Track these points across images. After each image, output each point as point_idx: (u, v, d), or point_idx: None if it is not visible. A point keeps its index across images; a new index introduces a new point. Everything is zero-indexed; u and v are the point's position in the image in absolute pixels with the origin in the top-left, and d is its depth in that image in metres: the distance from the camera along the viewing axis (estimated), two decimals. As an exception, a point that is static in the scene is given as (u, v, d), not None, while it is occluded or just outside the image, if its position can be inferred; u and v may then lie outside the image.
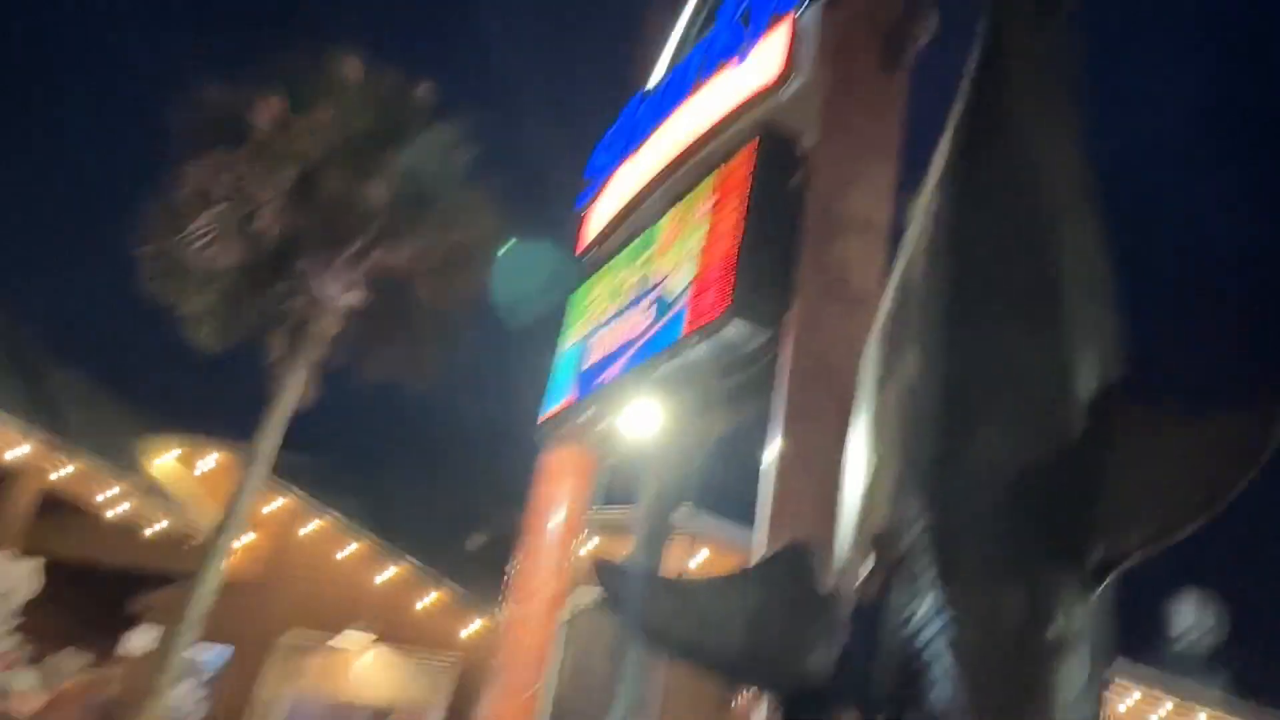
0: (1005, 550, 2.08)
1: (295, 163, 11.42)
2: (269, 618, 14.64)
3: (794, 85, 6.51)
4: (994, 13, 3.06)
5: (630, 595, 2.77)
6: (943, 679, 1.95)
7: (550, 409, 8.50)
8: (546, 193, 10.81)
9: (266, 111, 11.32)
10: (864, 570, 2.37)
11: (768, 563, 3.09)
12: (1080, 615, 2.01)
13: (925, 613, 2.06)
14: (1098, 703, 2.04)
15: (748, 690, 4.69)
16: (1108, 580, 2.04)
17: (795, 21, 6.74)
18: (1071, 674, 1.94)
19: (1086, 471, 2.10)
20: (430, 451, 19.39)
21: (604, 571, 2.83)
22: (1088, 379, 2.29)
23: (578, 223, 9.51)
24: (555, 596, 8.85)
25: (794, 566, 2.62)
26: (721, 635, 2.51)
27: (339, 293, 11.88)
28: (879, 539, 2.37)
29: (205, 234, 11.22)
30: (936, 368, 2.44)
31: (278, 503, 14.91)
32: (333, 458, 17.27)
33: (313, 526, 15.25)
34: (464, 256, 12.23)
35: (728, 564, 10.61)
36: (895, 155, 5.87)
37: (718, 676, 3.06)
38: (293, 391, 12.00)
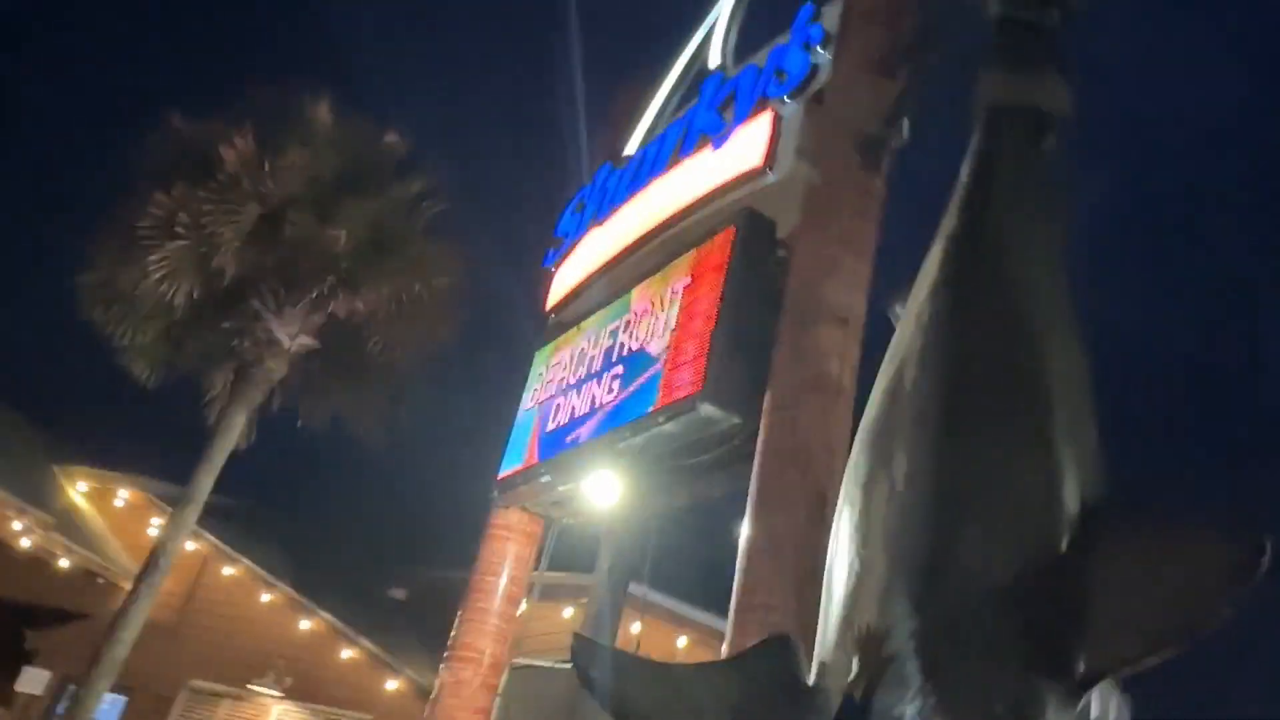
0: (993, 657, 2.10)
1: (260, 202, 11.37)
2: (172, 665, 14.13)
3: (775, 174, 6.74)
4: (987, 130, 3.17)
5: (605, 674, 2.68)
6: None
7: (508, 469, 8.53)
8: (511, 247, 10.92)
9: (235, 149, 11.27)
10: (850, 669, 2.35)
11: (753, 653, 2.95)
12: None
13: (912, 716, 2.06)
14: None
15: None
16: (1091, 690, 2.08)
17: (777, 112, 7.01)
18: None
19: (1074, 582, 2.15)
20: (358, 502, 19.02)
21: (580, 648, 2.73)
22: (1075, 491, 2.36)
23: (545, 280, 9.61)
24: (495, 659, 8.79)
25: (779, 660, 2.61)
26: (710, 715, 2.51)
27: (291, 336, 11.74)
28: (865, 639, 2.35)
29: (160, 266, 11.00)
30: (926, 473, 2.50)
31: (190, 546, 14.45)
32: (254, 501, 16.82)
33: (226, 573, 14.77)
34: (422, 308, 12.21)
35: (670, 638, 10.67)
36: (872, 252, 6.10)
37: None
38: (231, 433, 11.76)
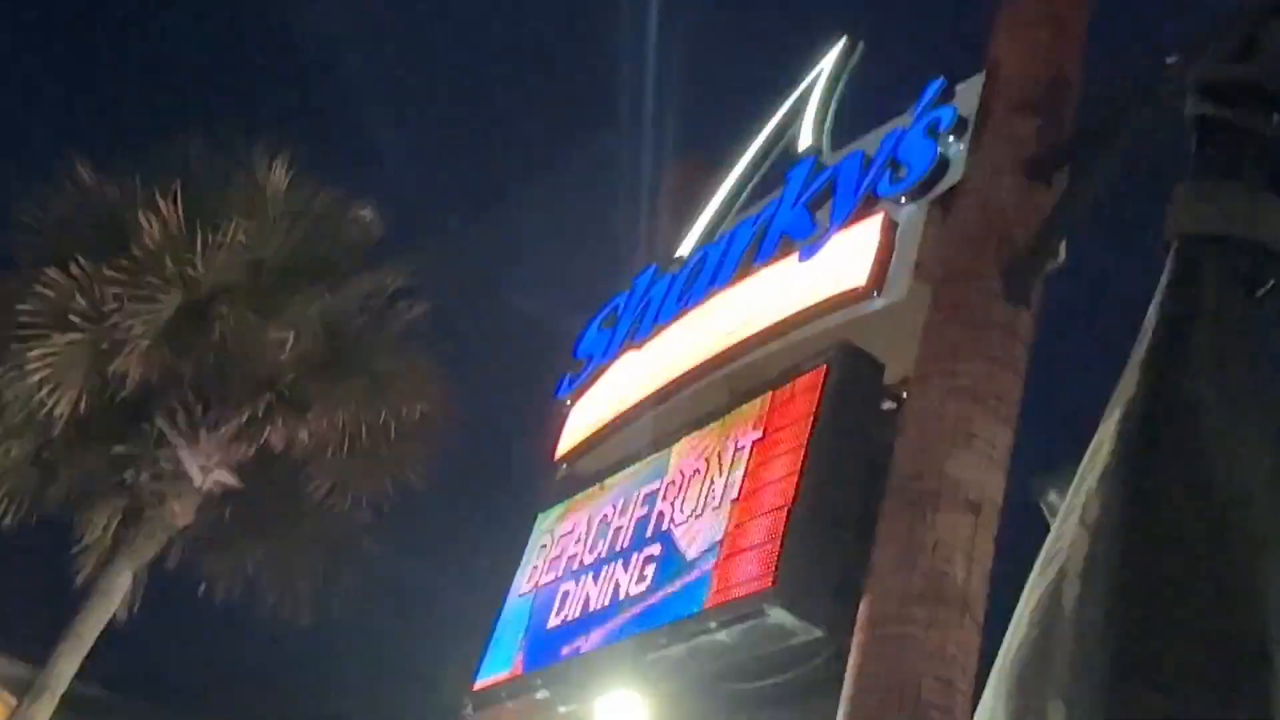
0: None
1: (184, 289, 11.69)
2: None
3: (884, 299, 6.90)
4: (1184, 266, 3.23)
5: None
6: None
7: (488, 676, 8.50)
8: (513, 369, 11.13)
9: (159, 216, 11.67)
10: None
11: None
12: None
13: None
14: None
15: None
16: None
17: (891, 216, 7.22)
18: None
19: None
20: (274, 701, 18.81)
21: None
22: None
23: (556, 417, 9.75)
24: None
25: None
26: None
27: (204, 470, 11.89)
28: None
29: (44, 366, 11.28)
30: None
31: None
32: (130, 693, 16.67)
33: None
34: (385, 444, 12.34)
35: None
36: (1015, 413, 6.22)
37: None
38: (109, 597, 11.80)
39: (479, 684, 8.65)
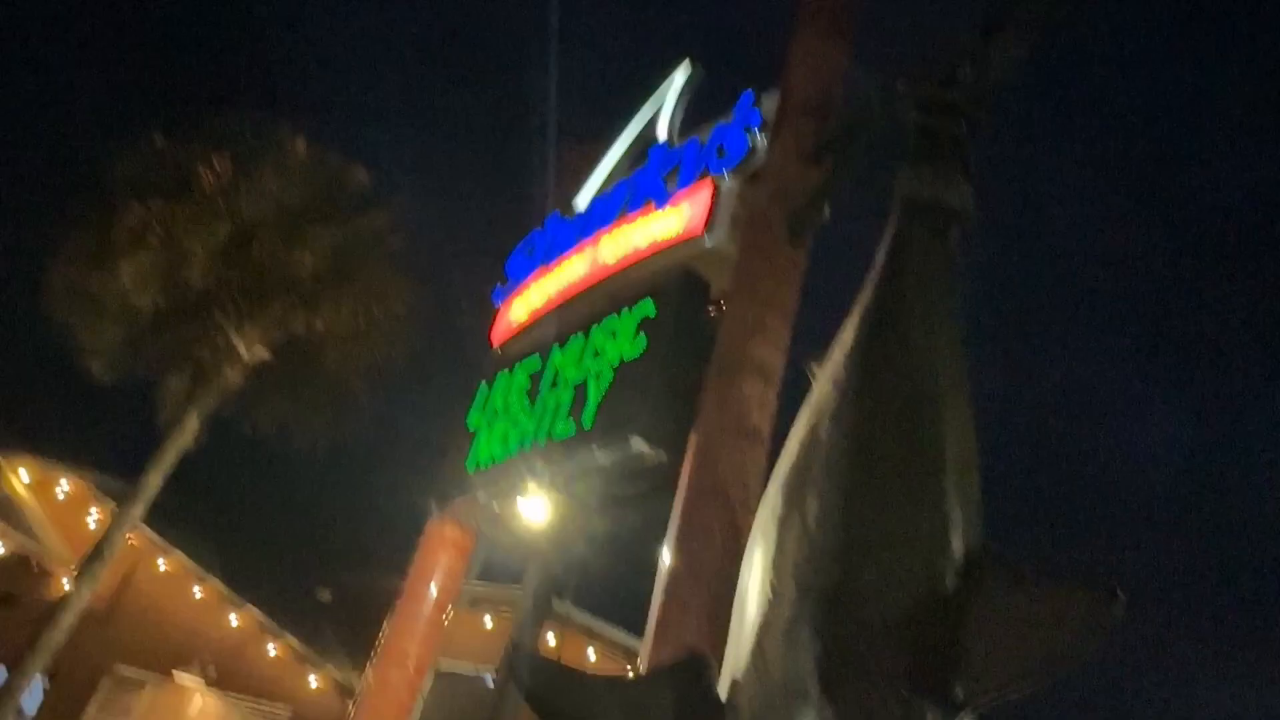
0: (883, 680, 2.24)
1: (231, 222, 11.15)
2: (98, 651, 13.37)
3: (711, 240, 6.93)
4: (901, 220, 3.28)
5: (534, 676, 2.82)
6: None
7: (445, 485, 8.47)
8: (467, 281, 10.88)
9: (213, 170, 11.07)
10: (757, 687, 2.48)
11: (670, 669, 3.05)
12: None
13: None
14: None
15: None
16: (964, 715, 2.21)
17: (717, 185, 7.21)
18: None
19: (956, 621, 2.29)
20: (293, 508, 18.48)
21: (515, 655, 2.89)
22: (960, 541, 2.50)
23: (493, 316, 9.62)
24: (420, 663, 8.67)
25: (694, 676, 2.70)
26: None
27: (248, 348, 11.47)
28: (773, 660, 2.47)
29: (132, 274, 10.69)
30: (834, 517, 2.62)
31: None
32: (191, 496, 16.19)
33: (160, 564, 14.17)
34: (376, 331, 12.05)
35: (582, 650, 10.64)
36: (793, 316, 6.31)
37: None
38: (184, 434, 11.40)
39: (438, 491, 8.61)
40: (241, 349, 11.50)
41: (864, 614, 2.34)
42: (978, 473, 2.79)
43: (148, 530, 13.51)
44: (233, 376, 11.66)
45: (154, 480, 11.02)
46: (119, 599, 14.17)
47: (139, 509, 11.03)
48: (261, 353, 11.76)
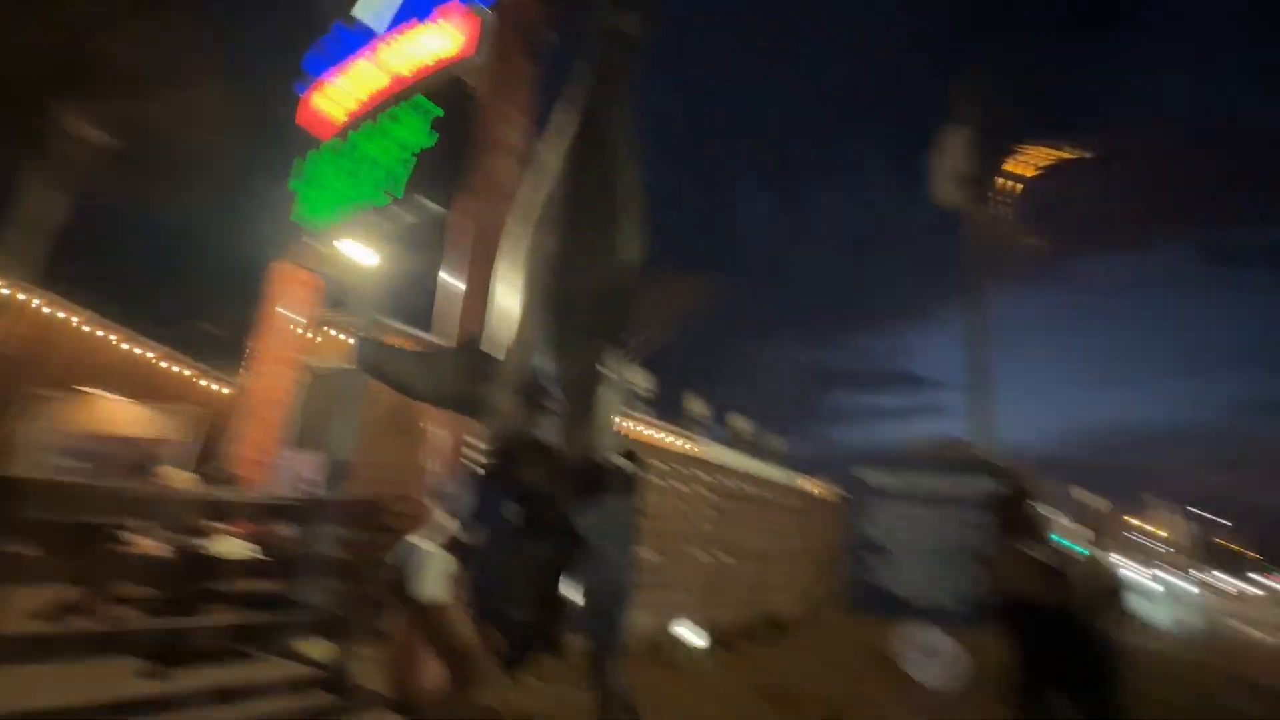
0: (584, 331, 2.44)
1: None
2: (11, 385, 10.87)
3: (480, 59, 6.26)
4: (597, 41, 3.11)
5: (372, 356, 2.83)
6: (555, 396, 2.43)
7: (288, 234, 7.42)
8: (279, 74, 8.63)
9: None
10: (515, 346, 2.57)
11: (457, 345, 3.10)
12: (615, 369, 2.46)
13: (544, 371, 2.44)
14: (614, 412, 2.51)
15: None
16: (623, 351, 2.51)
17: (482, 17, 6.38)
18: (611, 396, 2.48)
19: (621, 300, 2.46)
20: (171, 265, 15.22)
21: (360, 343, 2.95)
22: (628, 256, 2.55)
23: (299, 105, 8.12)
24: (292, 363, 8.04)
25: (472, 346, 2.76)
26: (435, 381, 2.77)
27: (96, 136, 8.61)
28: (518, 326, 2.55)
29: None
30: (555, 244, 2.59)
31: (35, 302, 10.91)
32: (97, 269, 12.81)
33: (69, 320, 11.41)
34: (205, 111, 9.46)
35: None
36: (529, 108, 6.08)
37: (431, 404, 3.06)
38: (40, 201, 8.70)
39: (282, 243, 7.49)
40: (88, 134, 8.59)
41: (571, 298, 2.49)
42: (641, 216, 2.87)
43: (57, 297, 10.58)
44: (82, 157, 8.80)
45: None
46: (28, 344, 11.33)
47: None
48: (105, 138, 8.88)
